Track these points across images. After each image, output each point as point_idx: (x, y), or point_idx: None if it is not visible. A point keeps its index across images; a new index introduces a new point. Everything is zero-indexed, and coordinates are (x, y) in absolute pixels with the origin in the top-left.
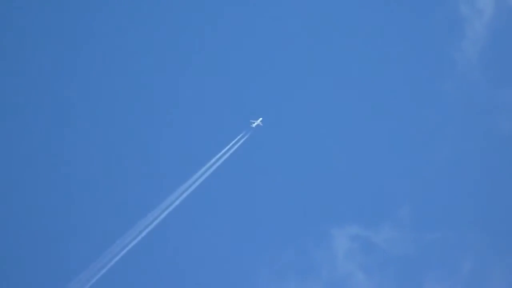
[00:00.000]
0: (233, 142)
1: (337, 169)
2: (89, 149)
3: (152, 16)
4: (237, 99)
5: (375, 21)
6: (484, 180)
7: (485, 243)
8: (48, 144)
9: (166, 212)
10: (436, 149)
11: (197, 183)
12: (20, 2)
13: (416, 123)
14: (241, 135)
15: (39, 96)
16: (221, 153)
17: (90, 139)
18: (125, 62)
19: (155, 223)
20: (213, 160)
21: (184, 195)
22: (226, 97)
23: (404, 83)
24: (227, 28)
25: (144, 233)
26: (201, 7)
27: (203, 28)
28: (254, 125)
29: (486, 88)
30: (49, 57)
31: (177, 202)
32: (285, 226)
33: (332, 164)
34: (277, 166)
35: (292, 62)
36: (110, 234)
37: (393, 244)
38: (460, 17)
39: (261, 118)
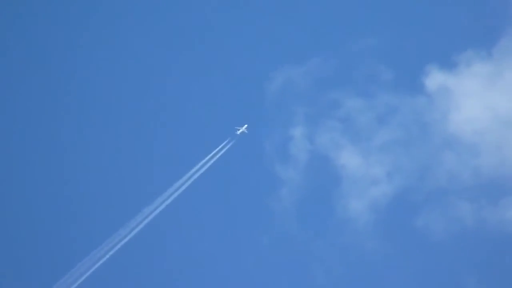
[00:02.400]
0: (218, 148)
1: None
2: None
3: (137, 21)
4: (224, 103)
5: None
6: None
7: None
8: (41, 147)
9: (150, 216)
10: None
11: (182, 187)
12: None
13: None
14: (226, 141)
15: (39, 90)
16: (205, 160)
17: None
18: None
19: (140, 225)
20: (198, 165)
21: (169, 200)
22: (213, 101)
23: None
24: (215, 31)
25: (128, 237)
26: (181, 12)
27: (191, 31)
28: (239, 132)
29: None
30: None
31: (161, 207)
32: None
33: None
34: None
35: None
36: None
37: None
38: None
39: (246, 125)
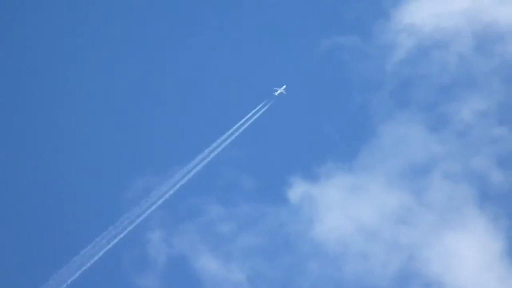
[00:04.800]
0: (256, 109)
1: None
2: None
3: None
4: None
5: None
6: None
7: None
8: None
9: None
10: None
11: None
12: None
13: None
14: (263, 102)
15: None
16: (243, 120)
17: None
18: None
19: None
20: (235, 127)
21: (205, 161)
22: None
23: None
24: None
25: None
26: None
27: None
28: (277, 93)
29: None
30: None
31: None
32: None
33: None
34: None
35: None
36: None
37: None
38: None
39: (284, 86)
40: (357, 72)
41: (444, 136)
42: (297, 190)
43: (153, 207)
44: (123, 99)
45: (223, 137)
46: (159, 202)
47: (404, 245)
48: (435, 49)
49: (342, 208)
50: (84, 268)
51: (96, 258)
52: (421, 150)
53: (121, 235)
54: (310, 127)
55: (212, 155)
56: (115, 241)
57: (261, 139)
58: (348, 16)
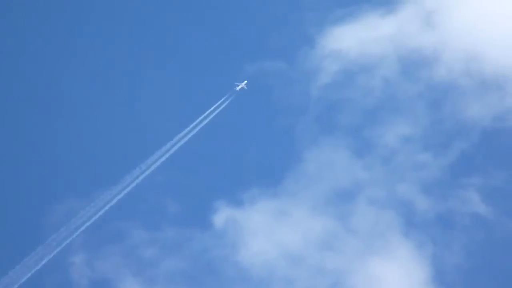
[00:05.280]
0: (217, 104)
1: None
2: None
3: None
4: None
5: None
6: None
7: None
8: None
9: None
10: None
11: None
12: None
13: None
14: (224, 97)
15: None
16: (203, 115)
17: None
18: None
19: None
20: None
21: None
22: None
23: None
24: None
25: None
26: None
27: None
28: (238, 88)
29: None
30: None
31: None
32: None
33: None
34: None
35: None
36: None
37: None
38: None
39: (246, 81)
40: (282, 97)
41: (369, 162)
42: (222, 215)
43: (77, 232)
44: (40, 118)
45: (149, 160)
46: (83, 226)
47: (329, 270)
48: (360, 74)
49: (267, 233)
50: None
51: (16, 286)
52: (346, 175)
53: (44, 261)
54: (235, 152)
55: (137, 180)
56: (38, 267)
57: (186, 164)
58: (273, 42)
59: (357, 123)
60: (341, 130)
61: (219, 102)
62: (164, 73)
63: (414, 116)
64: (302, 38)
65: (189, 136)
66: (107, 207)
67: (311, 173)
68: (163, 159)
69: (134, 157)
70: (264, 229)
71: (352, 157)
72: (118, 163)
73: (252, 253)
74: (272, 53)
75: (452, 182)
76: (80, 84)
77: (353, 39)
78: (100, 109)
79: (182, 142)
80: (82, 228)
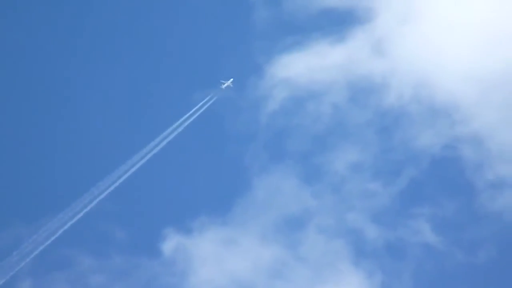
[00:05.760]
0: (202, 103)
1: None
2: None
3: None
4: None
5: None
6: None
7: None
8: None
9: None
10: None
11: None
12: None
13: None
14: (209, 96)
15: None
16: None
17: None
18: None
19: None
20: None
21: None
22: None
23: None
24: None
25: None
26: None
27: None
28: (224, 86)
29: None
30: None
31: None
32: None
33: None
34: None
35: None
36: None
37: None
38: None
39: (232, 79)
40: (231, 124)
41: (318, 189)
42: (171, 243)
43: (24, 260)
44: None
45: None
46: (30, 253)
47: None
48: (309, 100)
49: (216, 261)
50: None
51: None
52: (296, 203)
53: None
54: (185, 179)
55: (86, 209)
56: None
57: (135, 191)
58: (221, 70)
59: (307, 149)
60: (290, 157)
61: (169, 130)
62: (112, 102)
63: (364, 143)
64: (251, 67)
65: (139, 164)
66: (55, 234)
67: (261, 201)
68: (112, 187)
69: (83, 183)
70: (213, 257)
71: (301, 185)
72: (67, 189)
73: (201, 281)
74: (220, 82)
75: (402, 211)
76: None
77: (302, 66)
78: (46, 134)
79: (132, 170)
80: (31, 256)
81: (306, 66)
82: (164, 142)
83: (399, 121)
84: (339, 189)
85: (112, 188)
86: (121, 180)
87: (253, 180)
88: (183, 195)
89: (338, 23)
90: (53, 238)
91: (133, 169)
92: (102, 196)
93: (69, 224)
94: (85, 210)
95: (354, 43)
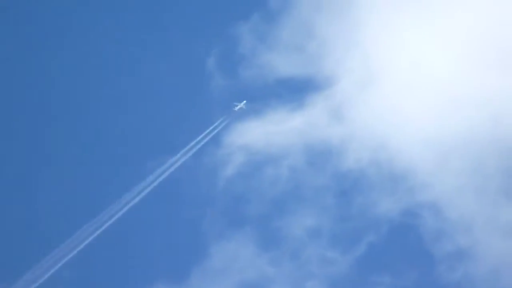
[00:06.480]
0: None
1: None
2: None
3: None
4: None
5: None
6: None
7: None
8: None
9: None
10: None
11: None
12: None
13: None
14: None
15: None
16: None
17: None
18: None
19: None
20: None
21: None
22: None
23: None
24: None
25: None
26: None
27: None
28: (237, 108)
29: None
30: None
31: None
32: None
33: None
34: None
35: None
36: None
37: None
38: None
39: (245, 101)
40: (188, 190)
41: (276, 256)
42: None
43: None
44: None
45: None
46: None
47: None
48: (266, 164)
49: None
50: None
51: None
52: (253, 270)
53: None
54: (141, 246)
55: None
56: None
57: (91, 258)
58: (177, 138)
59: (264, 213)
60: (248, 222)
61: (125, 197)
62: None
63: (321, 207)
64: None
65: (96, 233)
66: None
67: (218, 267)
68: (69, 255)
69: (39, 251)
70: None
71: (259, 251)
72: (20, 256)
73: None
74: (175, 149)
75: (361, 279)
76: None
77: (259, 132)
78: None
79: (88, 238)
80: None
81: (263, 131)
82: (124, 210)
83: (357, 184)
84: (297, 255)
85: (69, 256)
86: (78, 248)
87: (210, 246)
88: (140, 262)
89: (297, 91)
90: None
91: (90, 238)
92: (57, 266)
93: None
94: (40, 281)
95: (313, 109)
